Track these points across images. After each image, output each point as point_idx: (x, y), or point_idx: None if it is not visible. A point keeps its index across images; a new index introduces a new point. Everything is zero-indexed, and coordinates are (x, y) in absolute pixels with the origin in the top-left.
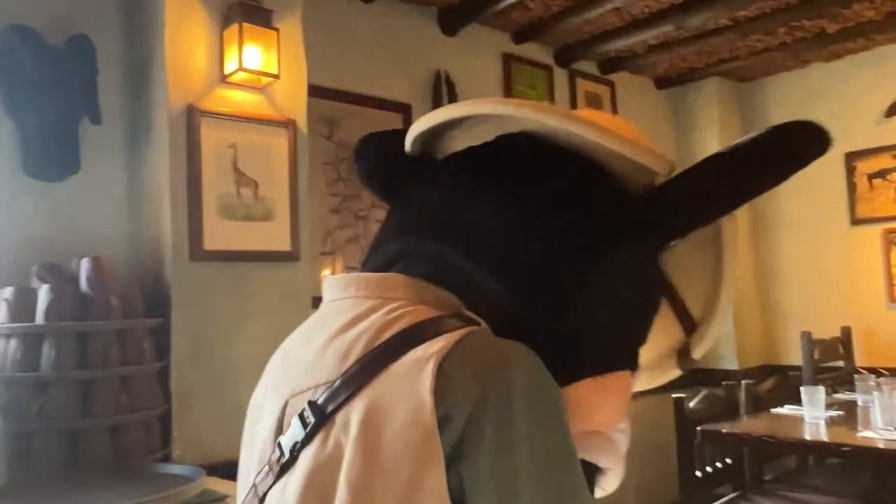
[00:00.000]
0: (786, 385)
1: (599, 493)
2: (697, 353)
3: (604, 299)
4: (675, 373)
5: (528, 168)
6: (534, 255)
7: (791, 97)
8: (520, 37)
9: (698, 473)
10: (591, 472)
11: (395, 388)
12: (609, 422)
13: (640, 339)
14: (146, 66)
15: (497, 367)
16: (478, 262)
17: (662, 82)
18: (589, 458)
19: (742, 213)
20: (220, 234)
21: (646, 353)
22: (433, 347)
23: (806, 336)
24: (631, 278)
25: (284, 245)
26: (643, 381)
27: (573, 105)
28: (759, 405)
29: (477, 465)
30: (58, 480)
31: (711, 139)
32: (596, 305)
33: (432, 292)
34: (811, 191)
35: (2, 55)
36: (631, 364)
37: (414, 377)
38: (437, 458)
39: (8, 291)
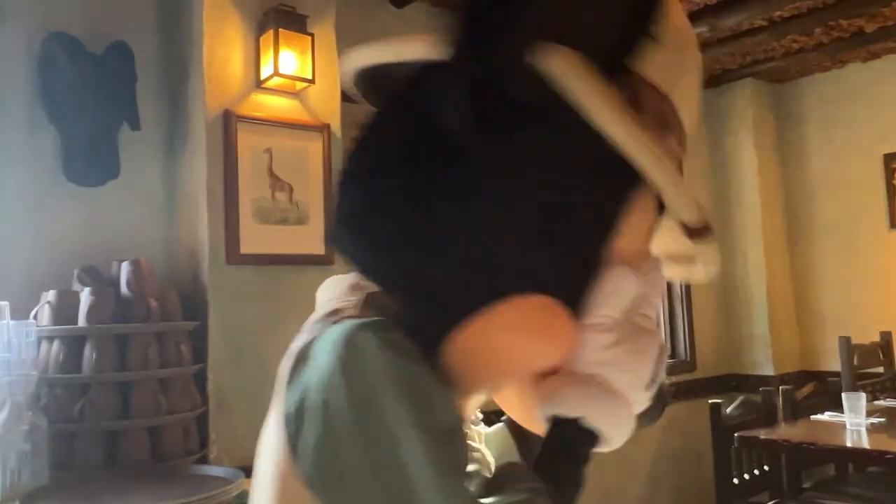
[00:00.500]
0: (824, 391)
1: (605, 449)
2: (685, 215)
3: (451, 236)
4: (704, 253)
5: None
6: (372, 206)
7: (827, 98)
8: None
9: (735, 481)
10: (584, 434)
11: (275, 400)
12: (535, 359)
13: (543, 250)
14: (184, 72)
15: (325, 363)
16: (346, 233)
17: None
18: (573, 413)
19: (778, 217)
20: (255, 237)
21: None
22: (292, 350)
23: (844, 341)
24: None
25: (318, 249)
26: (673, 272)
27: None
28: (797, 412)
29: (303, 464)
30: (98, 481)
31: (746, 141)
32: (445, 246)
33: (346, 285)
34: (849, 193)
35: (44, 63)
36: (523, 285)
37: (278, 385)
38: (287, 461)
39: (51, 294)
